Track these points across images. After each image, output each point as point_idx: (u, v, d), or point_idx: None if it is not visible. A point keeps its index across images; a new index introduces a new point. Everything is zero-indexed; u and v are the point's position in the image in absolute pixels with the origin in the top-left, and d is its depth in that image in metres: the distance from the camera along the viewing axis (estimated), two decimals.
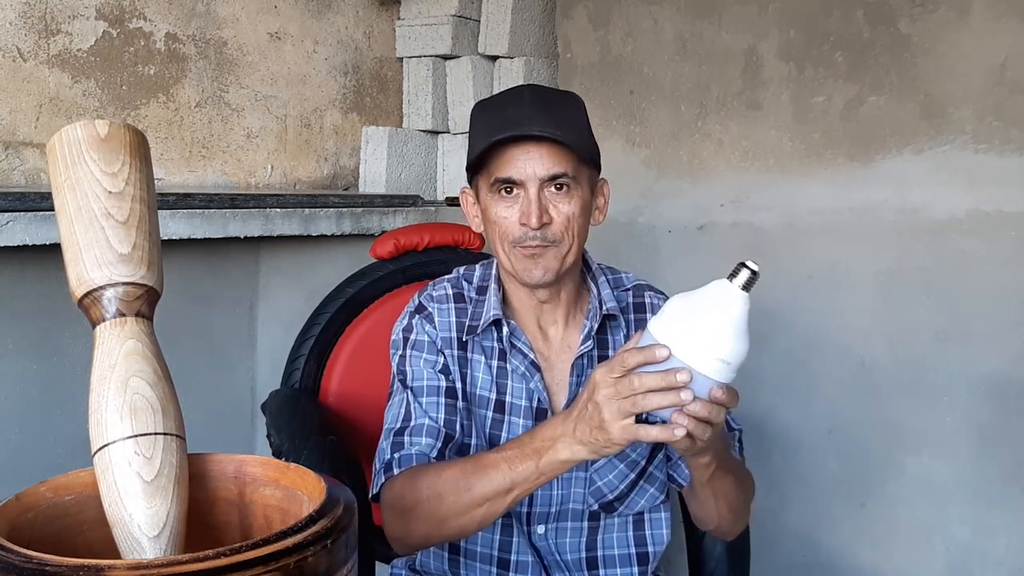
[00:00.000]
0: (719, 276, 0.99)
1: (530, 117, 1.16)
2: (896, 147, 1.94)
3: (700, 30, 2.18)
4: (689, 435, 0.97)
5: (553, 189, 1.18)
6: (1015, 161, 1.81)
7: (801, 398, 2.04)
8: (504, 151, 1.17)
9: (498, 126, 1.17)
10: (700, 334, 0.94)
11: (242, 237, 1.91)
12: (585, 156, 1.19)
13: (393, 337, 1.32)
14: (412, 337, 1.28)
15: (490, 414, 1.27)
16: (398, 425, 1.24)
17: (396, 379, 1.29)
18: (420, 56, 2.49)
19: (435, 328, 1.27)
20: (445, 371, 1.26)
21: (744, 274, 0.95)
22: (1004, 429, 1.85)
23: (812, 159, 2.04)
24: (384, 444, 1.25)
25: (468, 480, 1.09)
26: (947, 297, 1.89)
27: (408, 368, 1.27)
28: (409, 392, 1.26)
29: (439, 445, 1.21)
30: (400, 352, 1.29)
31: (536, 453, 1.05)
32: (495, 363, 1.27)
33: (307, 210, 2.04)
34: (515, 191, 1.18)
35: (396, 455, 1.21)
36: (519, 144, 1.16)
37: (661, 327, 0.97)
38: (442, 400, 1.24)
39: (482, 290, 1.30)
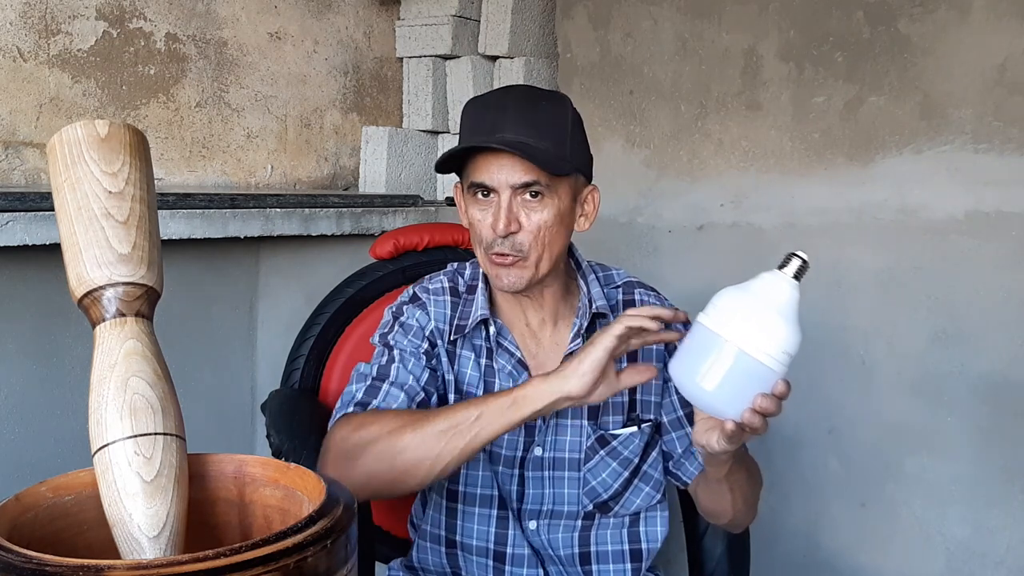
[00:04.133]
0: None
1: (507, 124, 1.16)
2: (896, 147, 1.94)
3: (700, 30, 2.18)
4: (743, 429, 0.98)
5: (528, 196, 1.17)
6: (1015, 161, 1.81)
7: (801, 398, 2.02)
8: (479, 155, 1.18)
9: (475, 131, 1.18)
10: (767, 329, 0.94)
11: (242, 237, 1.91)
12: (554, 170, 1.17)
13: (383, 320, 1.31)
14: (402, 319, 1.28)
15: None
16: (375, 373, 1.22)
17: (379, 345, 1.27)
18: (420, 56, 2.49)
19: (428, 317, 1.27)
20: (428, 356, 1.25)
21: (795, 263, 0.95)
22: (1004, 429, 1.85)
23: (812, 159, 2.04)
24: (354, 387, 1.22)
25: (436, 412, 1.09)
26: (947, 297, 1.89)
27: (393, 339, 1.26)
28: (395, 352, 1.24)
29: (415, 407, 1.20)
30: (385, 330, 1.28)
31: (513, 390, 1.07)
32: (483, 361, 1.27)
33: (307, 210, 2.04)
34: (491, 196, 1.18)
35: (371, 400, 1.19)
36: (492, 150, 1.16)
37: (721, 323, 0.95)
38: (427, 364, 1.23)
39: (471, 289, 1.30)
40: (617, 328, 1.04)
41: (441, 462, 1.07)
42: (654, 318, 1.04)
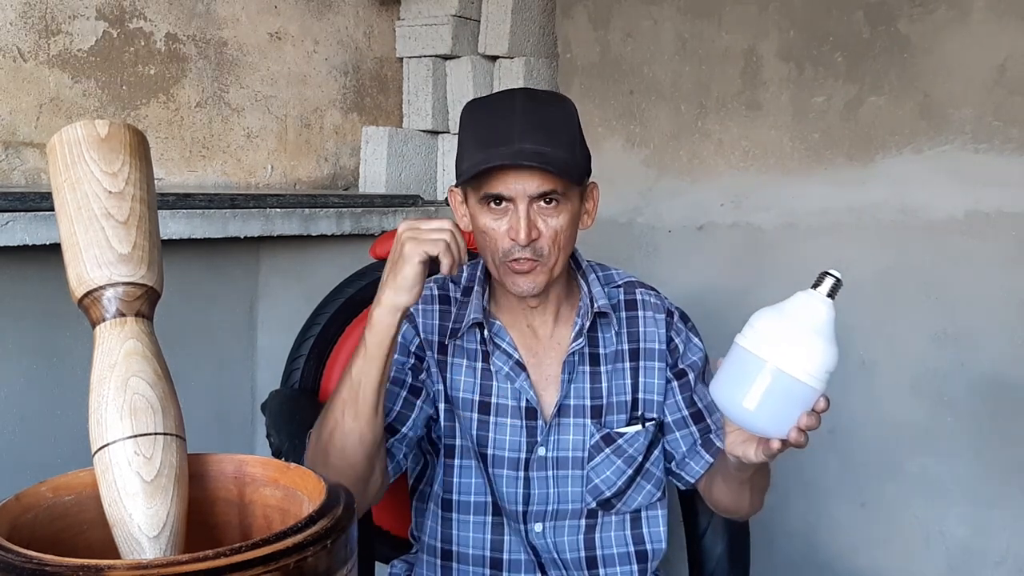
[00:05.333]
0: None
1: (521, 133, 1.15)
2: (896, 147, 1.94)
3: (700, 30, 2.18)
4: (784, 443, 1.00)
5: (543, 203, 1.17)
6: (1015, 161, 1.81)
7: None
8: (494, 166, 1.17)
9: (487, 141, 1.16)
10: (808, 350, 0.96)
11: (242, 237, 1.91)
12: (575, 177, 1.18)
13: None
14: None
15: (475, 416, 1.27)
16: None
17: None
18: (420, 56, 2.49)
19: (415, 330, 1.27)
20: (415, 371, 1.26)
21: (829, 282, 0.99)
22: (1003, 429, 1.85)
23: (812, 159, 2.04)
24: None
25: (333, 397, 1.11)
26: (947, 297, 1.89)
27: None
28: None
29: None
30: None
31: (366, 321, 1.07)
32: (478, 365, 1.27)
33: (307, 210, 2.04)
34: (504, 204, 1.18)
35: None
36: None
37: (764, 347, 0.97)
38: (403, 393, 1.24)
39: (467, 291, 1.30)
40: (426, 249, 1.03)
41: (357, 432, 1.09)
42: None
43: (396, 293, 1.03)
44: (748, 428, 1.03)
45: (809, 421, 0.98)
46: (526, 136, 1.15)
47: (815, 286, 0.99)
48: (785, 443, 1.00)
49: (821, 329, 0.97)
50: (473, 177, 1.19)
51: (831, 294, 0.98)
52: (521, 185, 1.16)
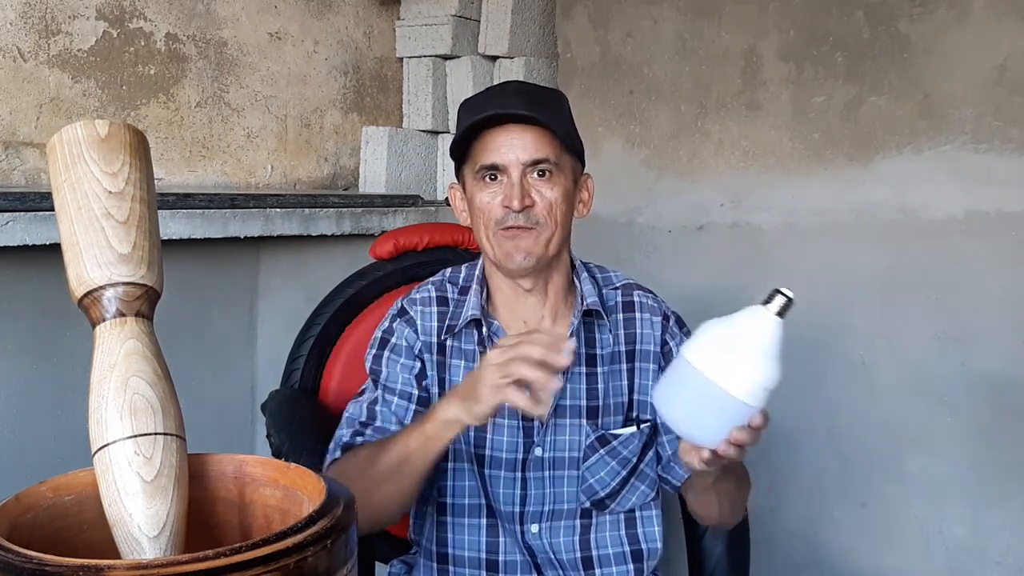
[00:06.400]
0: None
1: (514, 104, 1.19)
2: (896, 147, 1.94)
3: (700, 30, 2.18)
4: (718, 456, 1.01)
5: (536, 175, 1.20)
6: (1015, 161, 1.81)
7: (801, 398, 2.04)
8: (487, 138, 1.19)
9: (481, 113, 1.20)
10: (746, 366, 0.95)
11: (242, 237, 1.91)
12: (567, 143, 1.21)
13: (373, 337, 1.32)
14: (392, 340, 1.29)
15: None
16: (363, 418, 1.26)
17: (370, 377, 1.30)
18: (420, 56, 2.49)
19: (416, 333, 1.28)
20: (421, 376, 1.26)
21: (779, 301, 0.97)
22: (1003, 429, 1.85)
23: (812, 159, 2.04)
24: (344, 431, 1.26)
25: (378, 455, 1.13)
26: (947, 297, 1.89)
27: (384, 368, 1.27)
28: (382, 391, 1.26)
29: None
30: (376, 352, 1.30)
31: (424, 420, 1.09)
32: (476, 365, 1.27)
33: (307, 210, 2.04)
34: (499, 177, 1.20)
35: (358, 439, 1.23)
36: (502, 130, 1.19)
37: (703, 358, 0.97)
38: (412, 407, 1.25)
39: (464, 290, 1.31)
40: (507, 399, 1.00)
41: (399, 496, 1.14)
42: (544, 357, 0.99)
43: (465, 415, 1.04)
44: (681, 435, 1.05)
45: (740, 435, 0.98)
46: (518, 107, 1.19)
47: (766, 302, 0.97)
48: (715, 453, 1.01)
49: (764, 347, 0.96)
50: (468, 152, 1.21)
51: (781, 313, 0.96)
52: (514, 153, 1.18)
